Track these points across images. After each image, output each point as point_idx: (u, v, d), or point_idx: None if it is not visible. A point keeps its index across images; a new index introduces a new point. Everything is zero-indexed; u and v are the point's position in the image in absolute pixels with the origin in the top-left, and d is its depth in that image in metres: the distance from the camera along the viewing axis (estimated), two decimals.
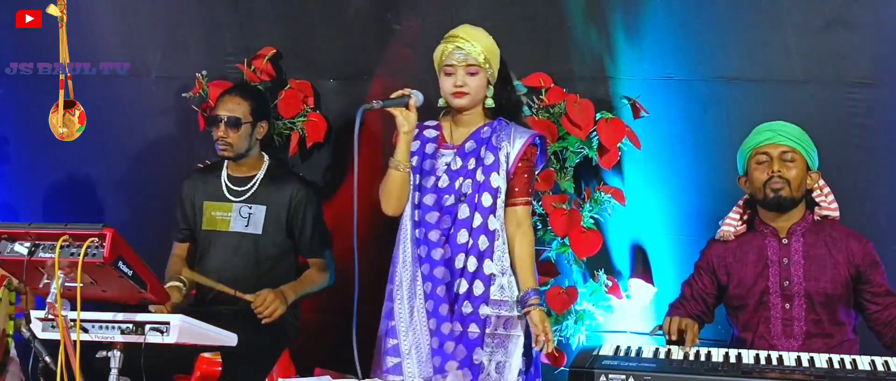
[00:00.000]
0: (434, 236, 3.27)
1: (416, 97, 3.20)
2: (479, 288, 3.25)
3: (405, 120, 3.19)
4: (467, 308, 3.24)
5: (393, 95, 3.21)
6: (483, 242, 3.24)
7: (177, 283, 3.67)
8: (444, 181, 3.30)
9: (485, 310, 3.24)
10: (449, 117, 3.38)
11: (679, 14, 3.81)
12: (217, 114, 3.76)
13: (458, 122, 3.35)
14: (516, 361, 3.25)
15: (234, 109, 3.75)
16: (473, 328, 3.24)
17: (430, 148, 3.35)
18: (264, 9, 4.32)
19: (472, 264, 3.23)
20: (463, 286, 3.24)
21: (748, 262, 3.35)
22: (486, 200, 3.25)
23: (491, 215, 3.25)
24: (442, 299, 3.24)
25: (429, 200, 3.30)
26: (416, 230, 3.30)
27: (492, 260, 3.26)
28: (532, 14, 3.97)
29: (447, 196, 3.28)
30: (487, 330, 3.24)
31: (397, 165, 3.24)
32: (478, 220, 3.25)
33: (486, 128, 3.31)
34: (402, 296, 3.30)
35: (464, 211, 3.26)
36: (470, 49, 3.23)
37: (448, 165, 3.30)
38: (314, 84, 4.25)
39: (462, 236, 3.25)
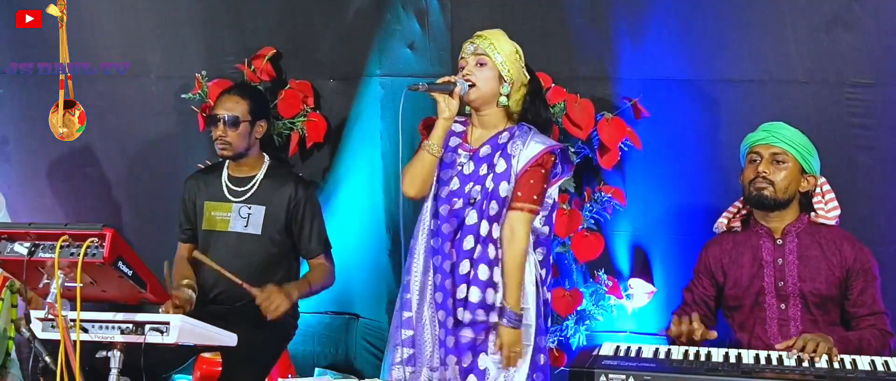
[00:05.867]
0: (446, 229, 3.24)
1: (462, 86, 3.18)
2: (489, 296, 3.18)
3: (447, 106, 3.17)
4: (466, 316, 3.18)
5: (439, 81, 3.19)
6: (491, 250, 3.18)
7: (190, 292, 3.62)
8: (455, 183, 3.26)
9: (482, 316, 3.18)
10: (471, 119, 3.35)
11: (679, 14, 3.81)
12: (216, 113, 3.75)
13: (477, 123, 3.31)
14: (524, 368, 3.18)
15: (232, 107, 3.75)
16: (468, 333, 3.19)
17: (453, 142, 3.33)
18: (264, 9, 4.32)
19: (479, 271, 3.17)
20: (464, 293, 3.18)
21: (743, 263, 3.35)
22: (494, 208, 3.18)
23: (495, 223, 3.19)
24: (449, 293, 3.21)
25: (444, 193, 3.27)
26: (432, 222, 3.27)
27: (498, 268, 3.18)
28: (532, 14, 3.96)
29: (456, 199, 3.24)
30: (492, 338, 3.18)
31: (430, 148, 3.21)
32: (485, 228, 3.18)
33: (505, 133, 3.26)
34: (415, 287, 3.27)
35: (472, 217, 3.20)
36: (480, 42, 3.24)
37: (462, 167, 3.27)
38: (314, 84, 4.25)
39: (468, 242, 3.19)
